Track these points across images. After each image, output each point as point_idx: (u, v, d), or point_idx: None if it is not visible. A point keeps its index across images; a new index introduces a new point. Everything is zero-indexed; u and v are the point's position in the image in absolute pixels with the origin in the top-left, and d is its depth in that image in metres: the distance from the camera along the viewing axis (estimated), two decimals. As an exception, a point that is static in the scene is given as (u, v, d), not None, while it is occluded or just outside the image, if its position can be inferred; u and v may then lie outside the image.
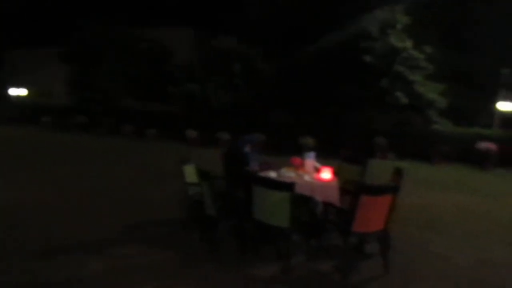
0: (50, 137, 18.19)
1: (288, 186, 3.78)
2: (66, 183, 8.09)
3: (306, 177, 4.95)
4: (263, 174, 5.27)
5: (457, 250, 4.95)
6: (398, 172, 5.08)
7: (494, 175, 12.99)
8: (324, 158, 6.46)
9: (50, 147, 14.72)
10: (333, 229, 4.44)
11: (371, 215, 3.94)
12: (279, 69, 18.55)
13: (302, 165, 5.61)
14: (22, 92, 29.86)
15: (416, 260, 4.52)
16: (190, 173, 5.22)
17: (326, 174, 5.08)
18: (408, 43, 16.68)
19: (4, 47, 30.86)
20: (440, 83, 17.21)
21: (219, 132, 17.14)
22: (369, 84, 16.81)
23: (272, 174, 5.08)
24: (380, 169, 10.87)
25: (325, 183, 4.88)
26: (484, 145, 14.29)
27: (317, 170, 5.37)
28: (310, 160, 5.57)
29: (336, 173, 6.18)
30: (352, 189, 5.75)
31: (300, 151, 16.67)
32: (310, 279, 3.92)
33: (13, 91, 29.89)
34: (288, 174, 5.11)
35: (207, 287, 3.67)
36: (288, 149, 16.29)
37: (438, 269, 4.27)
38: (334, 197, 4.86)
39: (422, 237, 5.43)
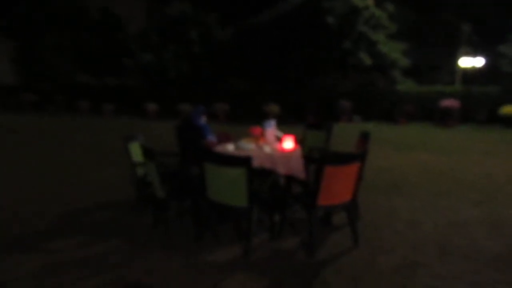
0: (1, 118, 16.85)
1: (243, 161, 3.34)
2: (6, 169, 7.32)
3: (267, 148, 4.53)
4: (220, 147, 4.81)
5: (424, 214, 4.76)
6: (364, 136, 4.76)
7: (457, 132, 13.17)
8: (289, 125, 6.07)
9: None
10: (297, 203, 4.09)
11: (338, 187, 3.60)
12: (237, 35, 17.75)
13: (262, 135, 5.19)
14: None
15: (384, 229, 4.28)
16: (136, 151, 4.69)
17: (288, 143, 4.68)
18: (369, 1, 16.28)
19: None
20: (402, 42, 17.08)
21: (180, 104, 16.42)
22: (331, 47, 16.42)
23: (230, 147, 4.63)
24: (345, 133, 10.66)
25: (287, 154, 4.48)
26: (446, 102, 14.39)
27: (279, 140, 4.96)
28: (270, 129, 5.14)
29: (300, 141, 5.83)
30: (317, 157, 5.47)
31: (265, 119, 16.40)
32: (273, 260, 3.58)
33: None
34: (247, 146, 4.66)
35: (157, 278, 3.25)
36: (252, 117, 15.91)
37: (406, 238, 4.03)
38: (298, 168, 4.49)
39: (389, 203, 5.22)
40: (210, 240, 3.90)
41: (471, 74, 18.34)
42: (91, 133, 12.77)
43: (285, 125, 5.85)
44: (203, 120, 5.67)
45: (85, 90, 18.91)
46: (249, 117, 16.24)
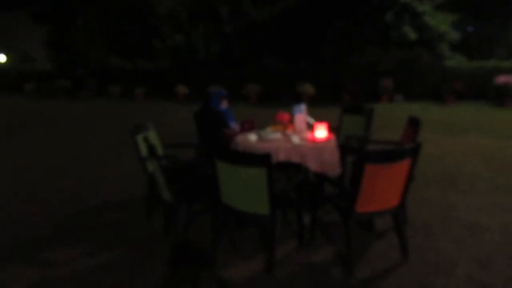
0: (34, 105, 17.07)
1: (261, 159, 2.66)
2: (22, 158, 7.06)
3: (295, 139, 3.81)
4: (241, 136, 4.15)
5: (488, 215, 3.91)
6: (414, 123, 3.92)
7: (515, 112, 11.73)
8: (325, 107, 5.29)
9: (32, 115, 13.64)
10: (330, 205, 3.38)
11: (381, 190, 2.85)
12: (270, 11, 16.74)
13: (290, 122, 4.47)
14: (1, 58, 28.20)
15: (439, 235, 3.48)
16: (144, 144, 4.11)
17: (321, 132, 3.94)
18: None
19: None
20: (451, 13, 15.43)
21: (211, 86, 15.85)
22: (371, 20, 15.11)
23: (252, 137, 3.94)
24: (387, 115, 9.64)
25: (319, 145, 3.74)
26: (503, 79, 12.87)
27: (311, 128, 4.21)
28: (300, 115, 4.40)
29: (335, 128, 5.06)
30: (355, 146, 4.69)
31: (299, 100, 15.51)
32: (301, 276, 2.92)
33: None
34: (271, 136, 3.97)
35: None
36: (286, 99, 15.10)
37: (469, 249, 3.23)
38: (332, 162, 3.75)
39: (444, 200, 4.38)
40: (227, 252, 3.28)
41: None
42: (120, 118, 12.51)
43: (321, 108, 5.10)
44: (224, 105, 5.02)
45: (117, 75, 18.79)
46: (282, 98, 15.45)
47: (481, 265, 2.97)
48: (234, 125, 4.92)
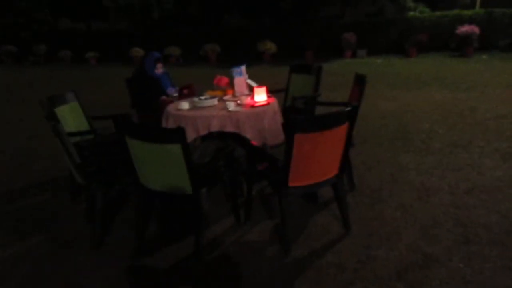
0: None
1: (175, 135, 2.27)
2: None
3: (231, 105, 3.42)
4: (174, 104, 3.72)
5: (440, 176, 3.72)
6: (359, 81, 3.59)
7: (477, 62, 11.68)
8: (288, 64, 4.89)
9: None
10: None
11: (316, 160, 2.54)
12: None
13: (229, 86, 4.06)
14: None
15: (387, 202, 3.27)
16: (66, 117, 3.63)
17: (259, 96, 3.56)
18: None
19: None
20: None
21: (169, 47, 14.98)
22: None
23: (185, 105, 3.52)
24: (349, 71, 9.33)
25: (257, 110, 3.38)
26: (464, 28, 12.70)
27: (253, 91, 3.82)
28: (240, 78, 3.99)
29: (282, 90, 4.71)
30: (302, 107, 4.36)
31: (260, 59, 14.94)
32: (233, 258, 2.64)
33: None
34: (206, 103, 3.56)
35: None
36: (246, 58, 14.47)
37: (416, 216, 3.03)
38: (272, 127, 3.41)
39: (395, 161, 4.17)
40: (153, 237, 2.95)
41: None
42: (63, 87, 11.65)
43: (285, 66, 4.72)
44: (159, 69, 4.53)
45: (67, 38, 17.45)
46: (243, 57, 14.80)
47: (425, 233, 2.77)
48: (172, 91, 4.47)
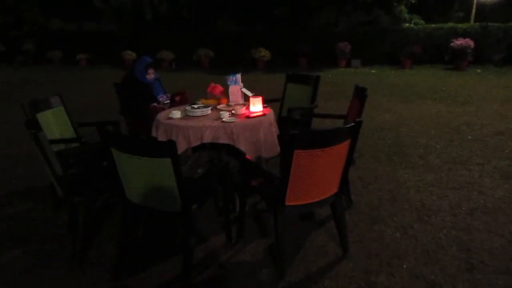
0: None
1: (165, 148, 2.09)
2: None
3: (225, 115, 3.25)
4: (165, 112, 3.55)
5: (440, 195, 3.58)
6: (360, 94, 3.44)
7: (471, 76, 11.67)
8: (282, 72, 4.71)
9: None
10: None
11: (316, 178, 2.38)
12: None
13: (223, 95, 3.89)
14: None
15: (385, 222, 3.11)
16: (49, 123, 3.43)
17: (254, 107, 3.40)
18: None
19: None
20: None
21: (161, 51, 14.77)
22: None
23: (176, 113, 3.34)
24: (343, 81, 9.22)
25: (252, 122, 3.22)
26: (459, 41, 12.73)
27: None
28: (234, 86, 3.83)
29: (278, 100, 4.56)
30: (298, 120, 4.21)
31: (254, 65, 14.82)
32: (222, 283, 2.46)
33: None
34: (198, 112, 3.39)
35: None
36: (240, 64, 14.35)
37: (417, 239, 2.88)
38: (268, 140, 3.25)
39: (393, 177, 4.03)
40: (138, 254, 2.76)
41: (488, 9, 16.34)
42: (52, 89, 11.38)
43: (279, 73, 4.55)
44: (150, 74, 4.35)
45: (57, 39, 17.14)
46: (236, 64, 14.65)
47: (428, 258, 2.62)
48: (163, 98, 4.28)
